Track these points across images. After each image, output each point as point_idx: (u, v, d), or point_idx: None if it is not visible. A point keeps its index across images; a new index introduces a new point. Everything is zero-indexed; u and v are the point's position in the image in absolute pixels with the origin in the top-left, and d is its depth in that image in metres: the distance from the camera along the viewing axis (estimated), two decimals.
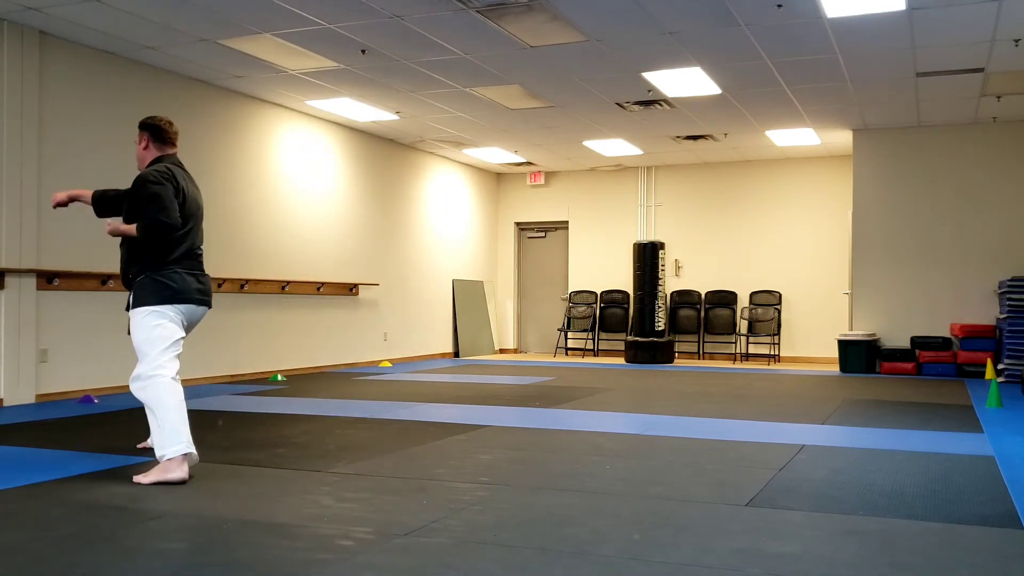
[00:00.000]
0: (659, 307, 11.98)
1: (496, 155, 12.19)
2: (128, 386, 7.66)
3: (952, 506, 3.44)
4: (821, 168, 12.10)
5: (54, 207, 4.31)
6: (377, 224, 11.00)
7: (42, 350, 6.82)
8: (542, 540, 2.90)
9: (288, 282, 9.27)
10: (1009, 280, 9.17)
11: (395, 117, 9.77)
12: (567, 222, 13.60)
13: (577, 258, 13.49)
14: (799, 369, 10.81)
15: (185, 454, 3.84)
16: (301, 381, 8.55)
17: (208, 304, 4.22)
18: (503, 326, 13.98)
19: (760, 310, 12.24)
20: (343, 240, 10.33)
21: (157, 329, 3.98)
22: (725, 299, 12.48)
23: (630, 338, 11.95)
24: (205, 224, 8.19)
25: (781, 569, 2.60)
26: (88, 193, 4.33)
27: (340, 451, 4.62)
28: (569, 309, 13.35)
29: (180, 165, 4.30)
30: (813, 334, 12.05)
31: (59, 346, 6.95)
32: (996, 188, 9.99)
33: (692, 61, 7.51)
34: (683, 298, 12.69)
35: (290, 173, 9.49)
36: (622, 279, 13.12)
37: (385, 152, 11.19)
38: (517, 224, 14.01)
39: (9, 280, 6.57)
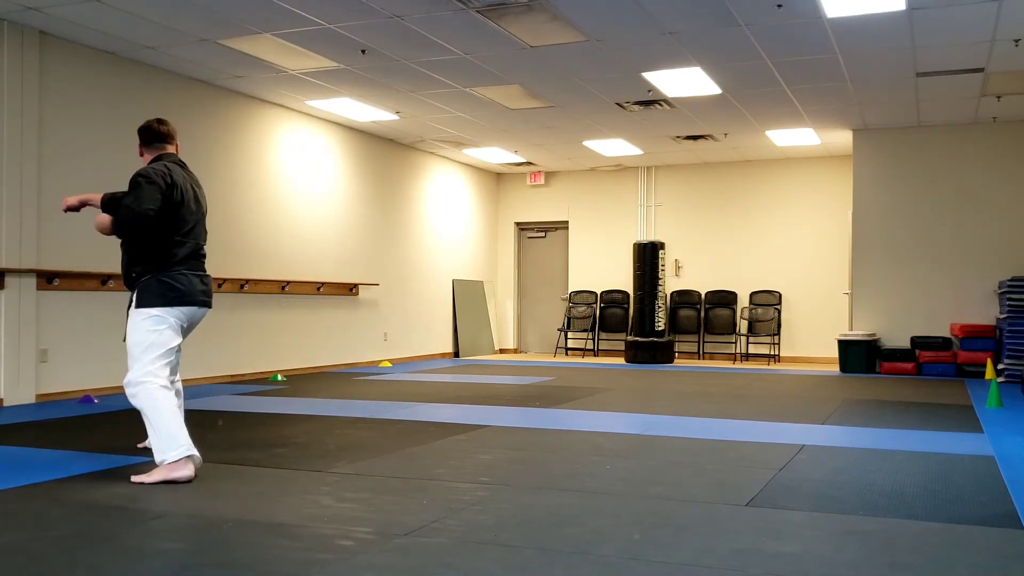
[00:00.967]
0: (659, 307, 11.98)
1: (496, 155, 12.19)
2: None
3: (952, 506, 3.44)
4: (821, 168, 12.10)
5: (65, 211, 4.26)
6: (377, 224, 11.00)
7: (42, 350, 6.82)
8: (542, 540, 2.90)
9: (288, 282, 9.27)
10: (1009, 280, 9.17)
11: (395, 117, 9.77)
12: (567, 222, 13.60)
13: (577, 258, 13.49)
14: (799, 369, 10.81)
15: (187, 456, 3.83)
16: (301, 381, 8.55)
17: (209, 305, 4.20)
18: (503, 326, 13.98)
19: (760, 310, 12.24)
20: (343, 240, 10.33)
21: (154, 334, 3.95)
22: (725, 299, 12.48)
23: (630, 338, 11.95)
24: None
25: (781, 569, 2.60)
26: (98, 196, 4.28)
27: (340, 451, 4.62)
28: (569, 309, 13.35)
29: (181, 164, 4.31)
30: (813, 334, 12.05)
31: (59, 346, 6.95)
32: (996, 188, 9.99)
33: (692, 61, 7.51)
34: (683, 298, 12.69)
35: (290, 173, 9.49)
36: (622, 279, 13.12)
37: (385, 152, 11.19)
38: (517, 224, 14.01)
39: (9, 280, 6.57)
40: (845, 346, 10.15)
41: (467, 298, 12.99)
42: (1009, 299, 9.09)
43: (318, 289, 9.81)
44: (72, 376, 7.05)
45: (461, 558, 2.69)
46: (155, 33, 6.86)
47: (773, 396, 7.48)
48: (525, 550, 2.79)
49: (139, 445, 4.65)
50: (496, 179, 14.02)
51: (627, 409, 6.53)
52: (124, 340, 4.06)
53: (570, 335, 13.34)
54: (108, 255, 7.37)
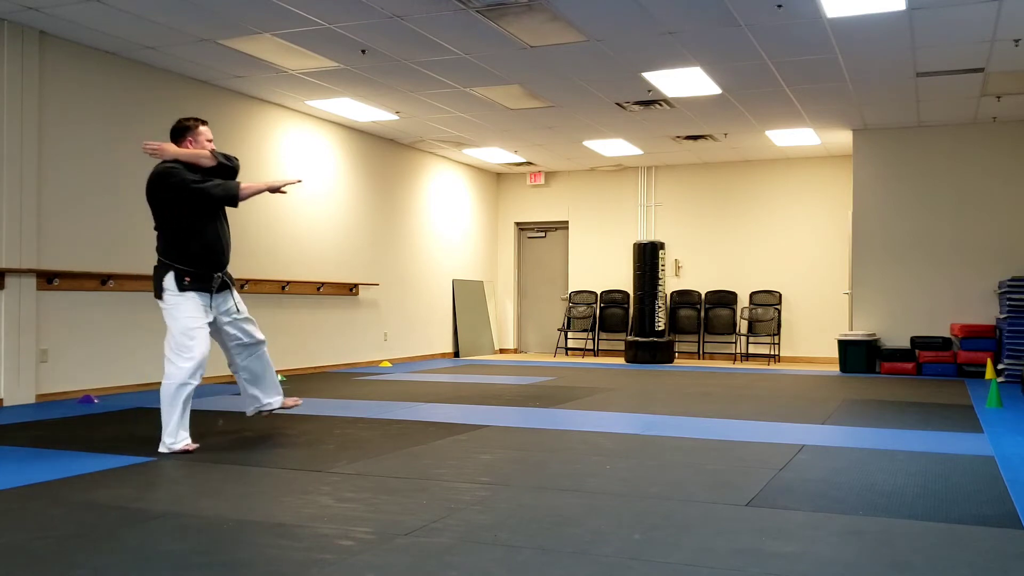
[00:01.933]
0: (659, 307, 11.98)
1: (496, 155, 12.20)
2: (129, 386, 7.67)
3: (952, 506, 3.44)
4: (821, 168, 12.10)
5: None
6: (377, 224, 11.00)
7: (42, 350, 6.82)
8: (542, 540, 2.90)
9: (288, 282, 9.27)
10: (1009, 280, 9.17)
11: (395, 117, 9.77)
12: (567, 222, 13.60)
13: (577, 258, 13.49)
14: (799, 369, 10.81)
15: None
16: (301, 381, 8.55)
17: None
18: (503, 326, 13.98)
19: (760, 310, 12.24)
20: (343, 240, 10.33)
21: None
22: (725, 299, 12.48)
23: (630, 338, 11.95)
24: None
25: (781, 569, 2.60)
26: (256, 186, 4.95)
27: (340, 451, 4.62)
28: (569, 309, 13.35)
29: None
30: (813, 334, 12.05)
31: (59, 346, 6.95)
32: (996, 188, 9.99)
33: (692, 61, 7.51)
34: (683, 298, 12.69)
35: (290, 173, 9.49)
36: (622, 279, 13.12)
37: (385, 152, 11.19)
38: (517, 224, 14.01)
39: (9, 280, 6.57)
40: (845, 346, 10.15)
41: (467, 298, 12.99)
42: (1009, 299, 9.09)
43: (318, 289, 9.81)
44: (72, 376, 7.05)
45: (461, 558, 2.69)
46: (155, 33, 6.86)
47: (773, 396, 7.48)
48: (525, 550, 2.79)
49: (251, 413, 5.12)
50: (496, 179, 14.02)
51: (627, 409, 6.52)
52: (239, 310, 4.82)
53: (570, 335, 13.34)
54: (108, 255, 7.37)
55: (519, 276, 14.09)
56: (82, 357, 7.13)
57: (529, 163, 12.88)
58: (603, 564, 2.64)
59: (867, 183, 10.48)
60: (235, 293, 4.83)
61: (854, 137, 10.49)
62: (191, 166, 4.67)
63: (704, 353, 12.66)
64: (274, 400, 5.08)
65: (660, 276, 12.00)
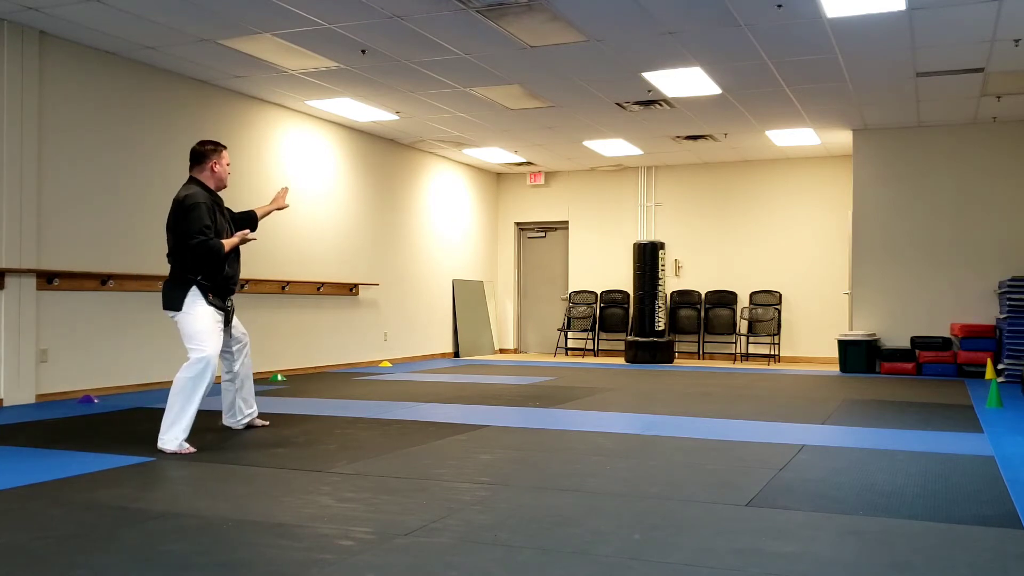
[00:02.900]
0: (659, 307, 11.98)
1: (496, 155, 12.20)
2: (129, 386, 7.67)
3: (952, 506, 3.44)
4: (821, 168, 12.10)
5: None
6: (377, 224, 11.00)
7: (42, 350, 6.82)
8: (542, 540, 2.90)
9: (288, 282, 9.27)
10: (1009, 280, 9.17)
11: (395, 117, 9.77)
12: (567, 222, 13.60)
13: (577, 258, 13.49)
14: (799, 369, 10.81)
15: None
16: (301, 381, 8.55)
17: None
18: (503, 326, 13.98)
19: (760, 310, 12.24)
20: (343, 240, 10.33)
21: (214, 322, 4.87)
22: (725, 299, 12.49)
23: (630, 338, 11.95)
24: None
25: (781, 569, 2.60)
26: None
27: (340, 451, 4.62)
28: (569, 309, 13.35)
29: (205, 186, 5.01)
30: (813, 334, 12.05)
31: (59, 346, 6.95)
32: (996, 188, 9.99)
33: (692, 61, 7.51)
34: (683, 298, 12.69)
35: (290, 173, 9.49)
36: (622, 279, 13.12)
37: (385, 152, 11.19)
38: (517, 224, 14.01)
39: (9, 280, 6.57)
40: (845, 346, 10.15)
41: (467, 298, 12.99)
42: (1009, 299, 9.09)
43: (318, 289, 9.81)
44: (72, 376, 7.05)
45: (461, 558, 2.69)
46: (155, 33, 6.86)
47: (773, 396, 7.48)
48: (525, 550, 2.79)
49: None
50: (496, 179, 14.02)
51: (627, 409, 6.52)
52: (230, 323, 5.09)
53: (570, 335, 13.34)
54: (108, 255, 7.37)
55: (519, 276, 14.09)
56: (82, 357, 7.13)
57: (529, 163, 12.88)
58: (603, 564, 2.64)
59: (867, 183, 10.48)
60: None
61: (854, 137, 10.49)
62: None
63: (704, 353, 12.66)
64: (255, 409, 5.48)
65: (660, 276, 12.00)
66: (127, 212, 7.54)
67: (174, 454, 4.52)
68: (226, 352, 5.17)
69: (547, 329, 13.84)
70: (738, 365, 11.53)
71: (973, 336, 9.57)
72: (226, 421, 5.42)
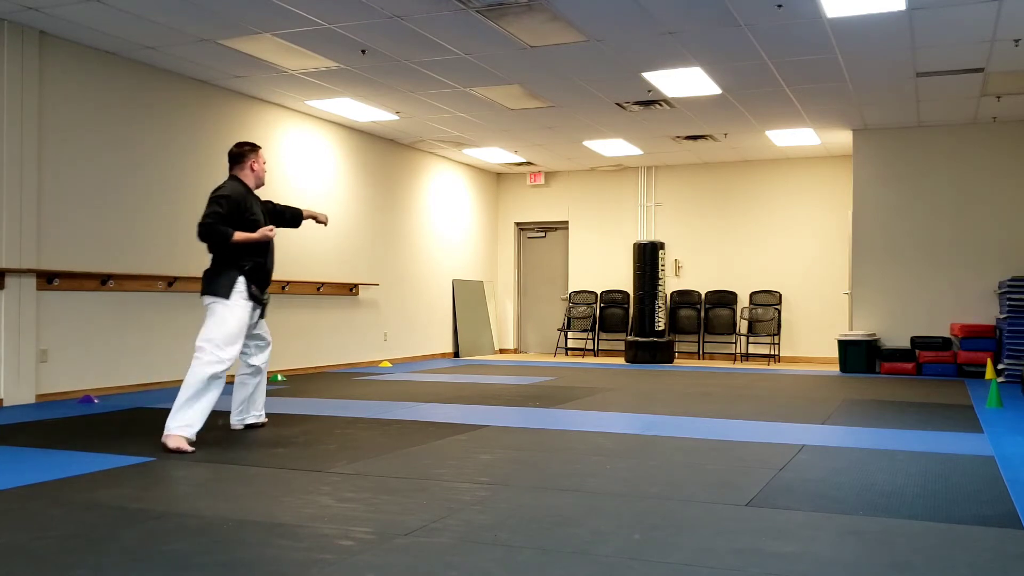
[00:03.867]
0: (659, 307, 11.98)
1: (496, 155, 12.20)
2: (129, 386, 7.67)
3: (952, 506, 3.44)
4: (821, 168, 12.10)
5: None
6: (377, 224, 11.00)
7: (42, 350, 6.82)
8: (542, 540, 2.90)
9: (288, 282, 9.27)
10: (1009, 280, 9.17)
11: (395, 117, 9.77)
12: (567, 222, 13.60)
13: (577, 258, 13.49)
14: (799, 369, 10.81)
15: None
16: (301, 381, 8.55)
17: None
18: (503, 326, 13.98)
19: (760, 310, 12.24)
20: (343, 240, 10.33)
21: (239, 314, 5.04)
22: (725, 299, 12.49)
23: (630, 338, 11.95)
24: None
25: (781, 569, 2.60)
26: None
27: (340, 451, 4.62)
28: (569, 309, 13.35)
29: (241, 182, 5.18)
30: (813, 334, 12.05)
31: (59, 346, 6.95)
32: (996, 188, 9.99)
33: (692, 61, 7.51)
34: (683, 298, 12.69)
35: (290, 173, 9.49)
36: (622, 279, 13.12)
37: (385, 152, 11.19)
38: (517, 224, 14.01)
39: (9, 280, 6.57)
40: (845, 346, 10.15)
41: (467, 298, 12.99)
42: (1009, 299, 9.09)
43: (318, 289, 9.81)
44: (72, 376, 7.06)
45: (461, 558, 2.69)
46: (155, 33, 6.86)
47: (773, 396, 7.48)
48: (525, 550, 2.79)
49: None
50: (496, 179, 14.02)
51: (627, 409, 6.52)
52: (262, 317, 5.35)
53: (570, 335, 13.34)
54: (108, 255, 7.37)
55: (519, 276, 14.09)
56: (82, 357, 7.13)
57: (529, 163, 12.88)
58: (603, 564, 2.64)
59: (867, 183, 10.48)
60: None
61: (854, 137, 10.49)
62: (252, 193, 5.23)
63: (704, 353, 12.66)
64: (262, 413, 5.60)
65: (660, 276, 12.00)
66: (127, 212, 7.54)
67: (176, 450, 4.54)
68: (249, 346, 5.33)
69: (547, 329, 13.84)
70: (738, 365, 11.53)
71: (973, 336, 9.57)
72: (233, 419, 5.45)
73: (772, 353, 12.08)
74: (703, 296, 12.63)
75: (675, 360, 12.13)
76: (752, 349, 12.35)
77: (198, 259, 8.24)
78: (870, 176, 10.47)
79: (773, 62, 7.52)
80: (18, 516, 3.21)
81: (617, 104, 9.10)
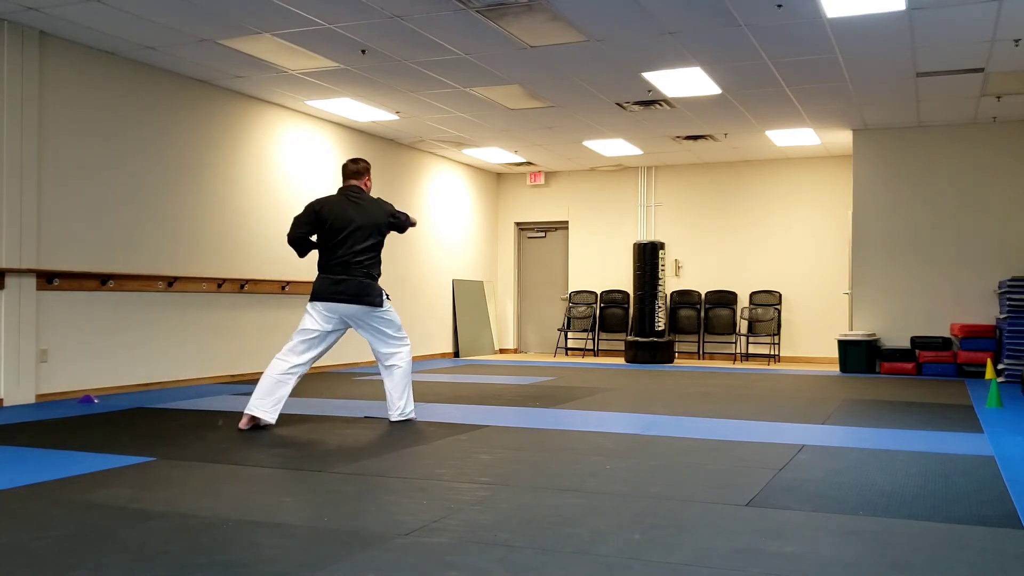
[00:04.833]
0: (659, 307, 11.98)
1: (496, 155, 12.20)
2: (129, 386, 7.67)
3: (952, 506, 3.44)
4: (821, 168, 12.10)
5: None
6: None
7: (42, 350, 6.82)
8: (542, 540, 2.90)
9: (288, 282, 9.27)
10: (1009, 280, 9.17)
11: (395, 117, 9.77)
12: (567, 222, 13.60)
13: (577, 258, 13.50)
14: (799, 369, 10.81)
15: (249, 415, 5.26)
16: (301, 381, 8.53)
17: (346, 300, 5.36)
18: (503, 326, 13.98)
19: (760, 310, 12.24)
20: None
21: (303, 319, 5.43)
22: (725, 299, 12.49)
23: (630, 338, 11.95)
24: (206, 224, 8.14)
25: (781, 569, 2.60)
26: None
27: (340, 451, 4.62)
28: (569, 309, 13.35)
29: (347, 192, 5.52)
30: (813, 334, 12.05)
31: (59, 346, 6.95)
32: (996, 188, 9.99)
33: (692, 61, 7.51)
34: (683, 298, 12.69)
35: (290, 173, 9.49)
36: (622, 279, 13.12)
37: (385, 152, 11.19)
38: (517, 224, 14.01)
39: (9, 280, 6.57)
40: (845, 346, 10.15)
41: (467, 298, 12.99)
42: (1009, 299, 9.09)
43: None
44: (72, 376, 7.06)
45: (461, 558, 2.69)
46: (155, 33, 6.86)
47: (773, 396, 7.48)
48: (525, 550, 2.79)
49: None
50: (496, 179, 14.02)
51: (627, 409, 6.52)
52: None
53: (570, 335, 13.34)
54: (108, 255, 7.37)
55: (519, 276, 14.09)
56: (82, 357, 7.13)
57: (529, 163, 12.88)
58: (603, 564, 2.64)
59: (867, 183, 10.48)
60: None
61: (854, 137, 10.49)
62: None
63: (704, 353, 12.66)
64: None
65: (660, 276, 12.00)
66: (127, 212, 7.54)
67: (408, 420, 5.61)
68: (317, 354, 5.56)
69: (547, 329, 13.84)
70: (738, 365, 11.53)
71: (973, 336, 9.57)
72: (262, 412, 5.42)
73: (772, 353, 12.08)
74: (703, 296, 12.63)
75: (675, 360, 12.13)
76: (752, 349, 12.35)
77: (198, 259, 8.26)
78: (870, 176, 10.48)
79: (773, 62, 7.52)
80: (18, 516, 3.21)
81: (617, 104, 9.10)
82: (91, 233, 7.23)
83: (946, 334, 10.08)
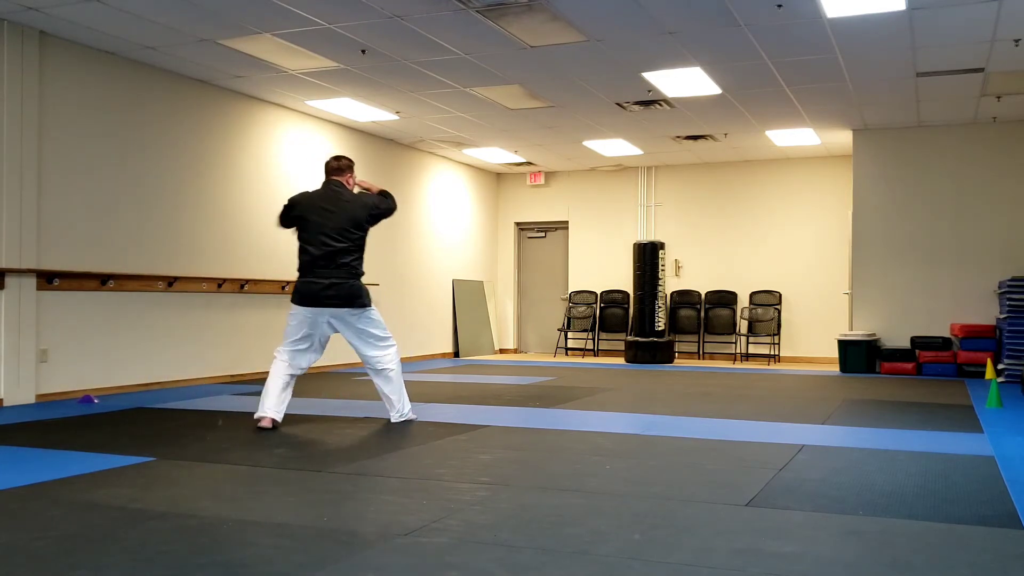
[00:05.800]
0: (659, 307, 11.98)
1: (496, 155, 12.20)
2: (129, 386, 7.67)
3: (952, 506, 3.44)
4: (821, 168, 12.10)
5: None
6: (377, 224, 10.97)
7: (42, 350, 6.82)
8: (542, 540, 2.90)
9: (288, 282, 9.27)
10: (1009, 280, 9.17)
11: (395, 117, 9.77)
12: (567, 222, 13.60)
13: (577, 258, 13.50)
14: (799, 369, 10.81)
15: (258, 416, 5.29)
16: (301, 381, 8.54)
17: (332, 304, 5.31)
18: (503, 326, 13.97)
19: (760, 310, 12.24)
20: None
21: (290, 324, 5.41)
22: (725, 299, 12.48)
23: (630, 338, 11.95)
24: (206, 224, 8.12)
25: (781, 569, 2.60)
26: None
27: (340, 451, 4.62)
28: (569, 309, 13.35)
29: (326, 188, 5.44)
30: (813, 334, 12.05)
31: (59, 346, 6.95)
32: (996, 188, 9.99)
33: (692, 61, 7.51)
34: (683, 298, 12.69)
35: (290, 173, 9.49)
36: (622, 279, 13.12)
37: (385, 152, 11.19)
38: (517, 224, 14.01)
39: (9, 280, 6.57)
40: (845, 346, 10.15)
41: (467, 298, 12.99)
42: (1009, 299, 9.09)
43: None
44: (72, 376, 7.06)
45: (461, 558, 2.69)
46: (155, 33, 6.86)
47: (773, 396, 7.49)
48: (525, 550, 2.79)
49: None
50: (496, 179, 14.02)
51: (627, 409, 6.53)
52: None
53: (570, 335, 13.34)
54: (108, 255, 7.37)
55: (519, 276, 14.09)
56: (82, 357, 7.13)
57: (529, 163, 12.88)
58: (603, 564, 2.64)
59: (867, 183, 10.48)
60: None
61: (854, 137, 10.49)
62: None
63: (704, 353, 12.66)
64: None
65: (660, 276, 12.00)
66: (127, 212, 7.54)
67: (408, 420, 5.59)
68: (309, 354, 5.53)
69: (547, 329, 13.84)
70: (738, 365, 11.53)
71: (973, 336, 9.57)
72: (270, 413, 5.46)
73: (772, 353, 12.08)
74: (703, 296, 12.63)
75: (675, 360, 12.13)
76: (752, 349, 12.35)
77: (198, 259, 8.26)
78: (870, 176, 10.47)
79: (773, 62, 7.52)
80: (18, 516, 3.21)
81: (617, 104, 9.10)
82: (91, 233, 7.23)
83: (946, 334, 10.08)
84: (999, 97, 8.76)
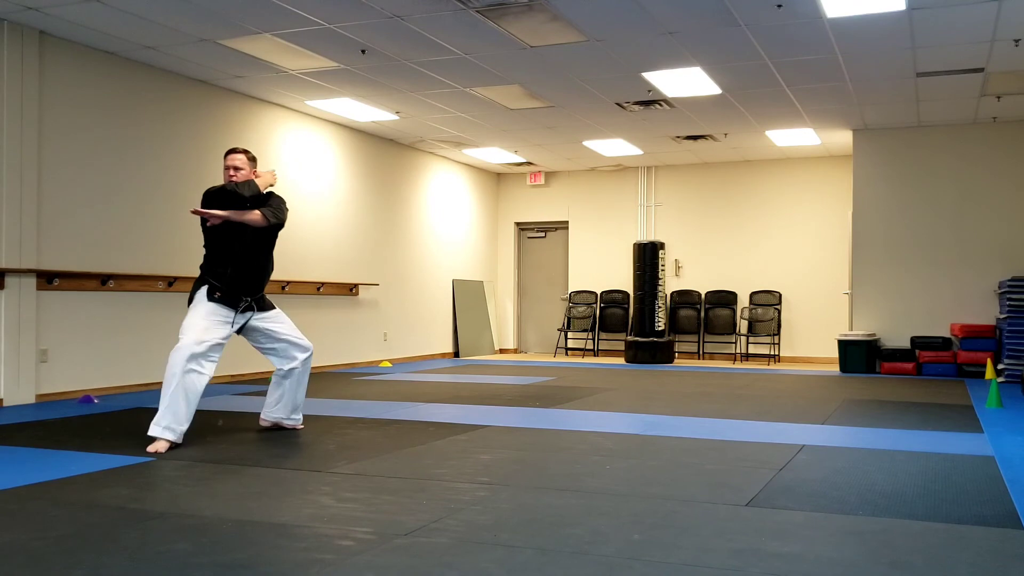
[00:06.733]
0: (659, 307, 11.98)
1: (496, 155, 12.20)
2: (129, 386, 7.67)
3: (952, 506, 3.44)
4: (821, 168, 12.10)
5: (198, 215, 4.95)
6: (377, 224, 11.00)
7: (42, 350, 6.82)
8: (542, 540, 2.90)
9: (288, 282, 9.27)
10: (1009, 280, 9.17)
11: (395, 117, 9.77)
12: (567, 222, 13.60)
13: (577, 258, 13.50)
14: (799, 369, 10.81)
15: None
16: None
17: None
18: (503, 326, 13.98)
19: (760, 310, 12.24)
20: (343, 240, 10.33)
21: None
22: (725, 299, 12.49)
23: (630, 338, 11.95)
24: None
25: (781, 569, 2.60)
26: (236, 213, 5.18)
27: (340, 451, 4.62)
28: (569, 309, 13.35)
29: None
30: (813, 334, 12.05)
31: (59, 346, 6.95)
32: (996, 188, 9.99)
33: (692, 61, 7.51)
34: (683, 298, 12.69)
35: (290, 173, 9.49)
36: (622, 279, 13.12)
37: (385, 152, 11.19)
38: (517, 224, 14.01)
39: (9, 280, 6.57)
40: (845, 346, 10.15)
41: (467, 298, 12.99)
42: (1009, 299, 9.09)
43: (318, 289, 9.81)
44: (72, 376, 7.06)
45: (461, 558, 2.69)
46: (155, 33, 6.86)
47: (773, 396, 7.49)
48: (525, 550, 2.79)
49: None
50: (496, 179, 14.02)
51: (627, 409, 6.53)
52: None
53: (570, 335, 13.34)
54: (108, 255, 7.37)
55: (519, 276, 14.09)
56: (82, 357, 7.13)
57: (529, 163, 12.88)
58: (603, 564, 2.64)
59: (867, 183, 10.48)
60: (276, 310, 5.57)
61: (854, 137, 10.49)
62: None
63: (704, 353, 12.66)
64: (289, 418, 5.54)
65: (660, 276, 12.01)
66: (127, 212, 7.54)
67: (155, 453, 4.55)
68: (270, 355, 5.59)
69: (547, 329, 13.84)
70: (738, 365, 11.53)
71: (973, 336, 9.57)
72: (264, 414, 5.53)
73: (772, 353, 12.08)
74: (703, 296, 12.63)
75: (675, 360, 12.13)
76: (752, 349, 12.35)
77: (198, 259, 8.24)
78: (870, 176, 10.48)
79: (773, 62, 7.52)
80: (18, 516, 3.21)
81: (617, 104, 9.10)
82: (91, 233, 7.23)
83: (946, 334, 10.08)
84: (999, 97, 8.76)
